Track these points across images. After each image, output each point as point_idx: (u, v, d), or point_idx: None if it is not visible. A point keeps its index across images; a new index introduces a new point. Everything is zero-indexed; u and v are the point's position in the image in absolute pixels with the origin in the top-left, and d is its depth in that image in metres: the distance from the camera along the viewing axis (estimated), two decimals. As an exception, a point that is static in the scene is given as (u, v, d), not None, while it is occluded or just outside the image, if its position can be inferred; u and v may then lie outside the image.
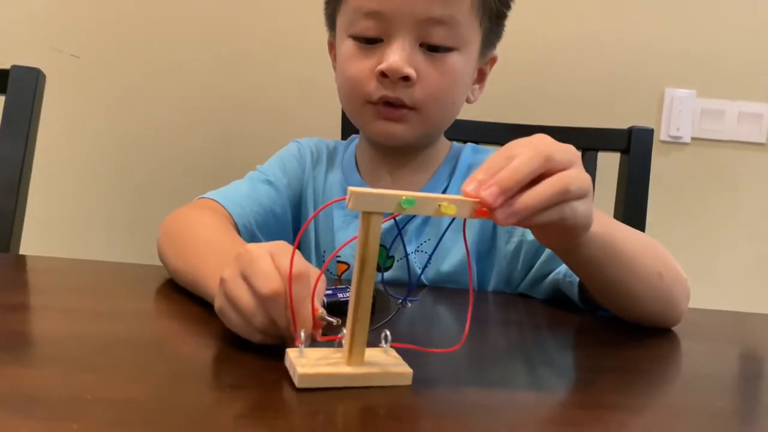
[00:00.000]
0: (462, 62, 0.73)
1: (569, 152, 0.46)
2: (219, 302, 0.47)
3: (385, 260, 0.79)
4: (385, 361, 0.44)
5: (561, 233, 0.49)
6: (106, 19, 1.53)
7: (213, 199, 0.74)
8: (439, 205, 0.41)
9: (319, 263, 0.81)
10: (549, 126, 1.08)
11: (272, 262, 0.45)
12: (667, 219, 1.55)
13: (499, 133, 1.08)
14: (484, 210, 0.42)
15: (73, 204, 1.56)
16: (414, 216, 0.78)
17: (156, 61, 1.54)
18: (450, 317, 0.67)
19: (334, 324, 0.44)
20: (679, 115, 1.62)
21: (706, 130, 1.64)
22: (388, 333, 0.44)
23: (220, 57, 1.55)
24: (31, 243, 1.00)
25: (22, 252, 0.93)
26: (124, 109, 1.55)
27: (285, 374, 0.42)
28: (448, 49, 0.72)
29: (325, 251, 0.81)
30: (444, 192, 0.80)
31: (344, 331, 0.43)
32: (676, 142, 1.63)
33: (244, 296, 0.44)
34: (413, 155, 0.80)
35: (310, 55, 1.51)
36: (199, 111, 1.56)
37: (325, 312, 0.44)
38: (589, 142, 1.07)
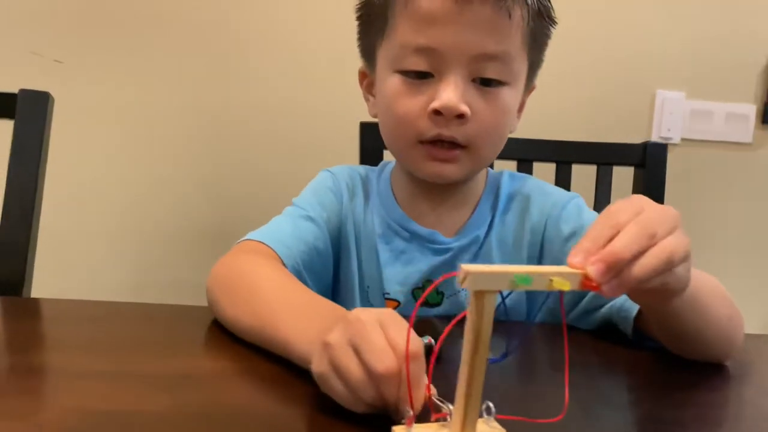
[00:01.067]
0: (512, 96, 0.73)
1: (671, 218, 0.47)
2: (322, 368, 0.45)
3: (434, 296, 0.78)
4: None
5: (660, 296, 0.50)
6: (89, 22, 1.47)
7: (259, 241, 0.72)
8: (551, 280, 0.40)
9: (364, 300, 0.80)
10: (565, 141, 1.09)
11: (384, 334, 0.43)
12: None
13: (511, 148, 1.08)
14: (591, 283, 0.42)
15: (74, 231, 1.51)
16: (462, 252, 0.78)
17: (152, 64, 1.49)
18: (527, 365, 0.66)
19: (447, 411, 0.43)
20: (670, 117, 1.65)
21: (695, 130, 1.67)
22: (491, 404, 0.44)
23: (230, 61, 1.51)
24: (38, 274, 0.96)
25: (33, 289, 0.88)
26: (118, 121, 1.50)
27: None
28: (500, 84, 0.71)
29: (368, 286, 0.80)
30: (490, 225, 0.80)
31: (450, 407, 0.42)
32: (667, 143, 1.66)
33: (354, 368, 0.43)
34: (456, 189, 0.79)
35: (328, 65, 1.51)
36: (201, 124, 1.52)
37: (437, 394, 0.44)
38: (605, 156, 1.08)
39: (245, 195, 1.53)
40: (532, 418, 0.44)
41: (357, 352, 0.43)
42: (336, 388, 0.44)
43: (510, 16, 0.68)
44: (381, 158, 1.02)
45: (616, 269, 0.42)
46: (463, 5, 0.66)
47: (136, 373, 0.54)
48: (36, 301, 0.73)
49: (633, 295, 0.53)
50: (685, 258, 0.47)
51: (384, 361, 0.42)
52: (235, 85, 1.51)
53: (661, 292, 0.48)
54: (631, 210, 0.45)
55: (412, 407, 0.42)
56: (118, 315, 0.73)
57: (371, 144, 1.03)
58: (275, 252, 0.71)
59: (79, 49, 1.47)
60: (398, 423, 0.43)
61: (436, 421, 0.43)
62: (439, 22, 0.67)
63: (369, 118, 1.06)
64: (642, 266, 0.43)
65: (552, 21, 0.75)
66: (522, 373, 0.63)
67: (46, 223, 0.92)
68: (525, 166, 1.07)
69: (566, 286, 0.41)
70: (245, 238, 0.74)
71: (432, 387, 0.43)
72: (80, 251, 1.51)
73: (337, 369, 0.44)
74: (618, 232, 0.43)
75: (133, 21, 1.48)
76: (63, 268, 1.46)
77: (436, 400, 0.43)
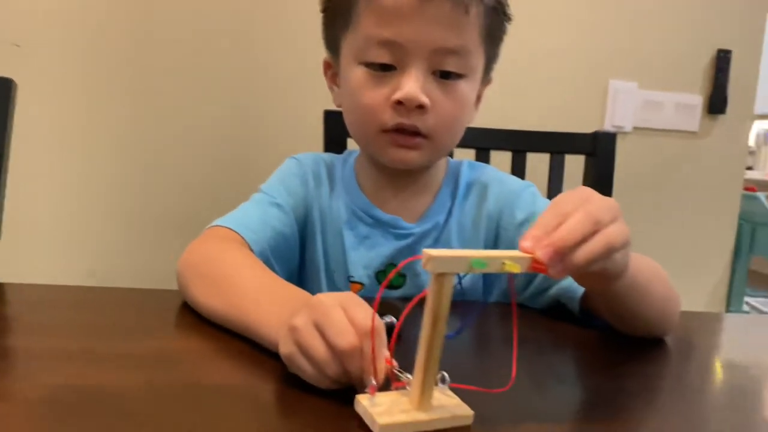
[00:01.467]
0: (470, 89, 0.76)
1: (612, 209, 0.50)
2: (288, 349, 0.49)
3: (397, 278, 0.82)
4: (447, 404, 0.47)
5: (601, 279, 0.54)
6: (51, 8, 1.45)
7: (227, 227, 0.74)
8: (504, 263, 0.45)
9: (329, 283, 0.83)
10: (520, 130, 1.14)
11: (345, 314, 0.47)
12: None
13: (468, 137, 1.11)
14: (540, 266, 0.46)
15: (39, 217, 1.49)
16: (423, 238, 0.82)
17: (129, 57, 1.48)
18: (482, 340, 0.70)
19: (406, 380, 0.47)
20: (622, 106, 1.72)
21: (646, 120, 1.75)
22: (446, 374, 0.48)
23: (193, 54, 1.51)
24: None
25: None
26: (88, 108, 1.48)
27: (359, 420, 0.45)
28: (458, 77, 0.74)
29: (334, 270, 0.83)
30: (449, 212, 0.84)
31: (409, 377, 0.46)
32: (619, 132, 1.73)
33: (318, 346, 0.46)
34: (417, 176, 0.83)
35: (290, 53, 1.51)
36: (170, 110, 1.52)
37: (397, 366, 0.47)
38: (557, 145, 1.12)
39: (212, 182, 1.54)
40: (483, 388, 0.48)
41: (321, 331, 0.47)
42: (303, 367, 0.48)
43: (467, 12, 0.71)
44: (345, 146, 1.05)
45: (562, 253, 0.46)
46: (424, 1, 0.69)
47: (109, 353, 0.56)
48: (1, 286, 0.74)
49: (577, 278, 0.57)
50: (624, 245, 0.51)
51: (346, 338, 0.45)
52: (201, 72, 1.51)
53: (602, 275, 0.53)
54: (578, 200, 0.50)
55: (375, 378, 0.45)
56: (88, 299, 0.74)
57: (335, 132, 1.05)
58: (243, 238, 0.73)
59: (38, 33, 1.45)
60: (362, 393, 0.46)
61: (396, 389, 0.47)
62: (402, 17, 0.70)
63: (333, 107, 1.09)
64: (585, 251, 0.48)
65: (507, 17, 0.78)
66: (477, 348, 0.67)
67: (10, 209, 0.92)
68: (483, 155, 1.11)
69: (517, 269, 0.45)
70: (213, 224, 0.76)
71: (393, 360, 0.47)
72: (45, 238, 1.50)
73: (302, 349, 0.47)
74: (565, 220, 0.48)
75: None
76: (27, 254, 1.45)
77: (396, 371, 0.47)
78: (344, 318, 0.46)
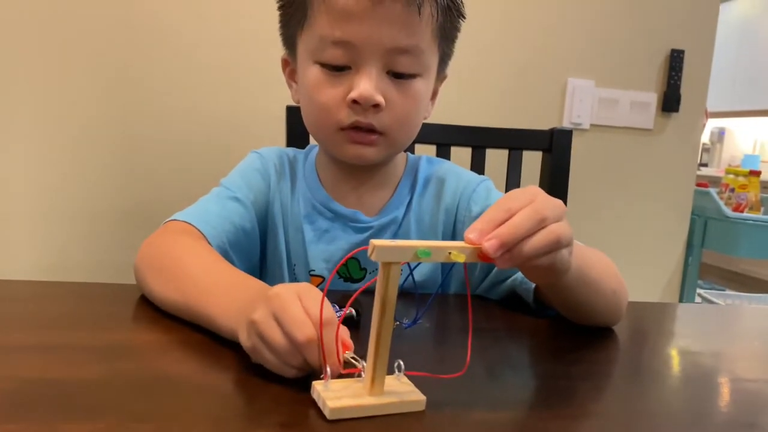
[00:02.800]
0: (424, 86, 0.78)
1: (558, 208, 0.52)
2: (252, 341, 0.50)
3: (357, 272, 0.83)
4: (400, 389, 0.49)
5: (548, 274, 0.56)
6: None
7: (184, 221, 0.74)
8: (450, 253, 0.46)
9: (291, 277, 0.84)
10: (479, 127, 1.16)
11: (302, 306, 0.48)
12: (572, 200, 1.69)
13: (430, 133, 1.13)
14: (486, 256, 0.48)
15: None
16: (382, 231, 0.83)
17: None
18: (440, 330, 0.72)
19: (361, 367, 0.48)
20: (580, 104, 1.76)
21: (602, 117, 1.79)
22: (401, 362, 0.49)
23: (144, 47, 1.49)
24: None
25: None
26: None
27: (312, 404, 0.47)
28: (412, 76, 0.75)
29: (295, 264, 0.84)
30: (408, 206, 0.86)
31: (363, 363, 0.48)
32: (577, 128, 1.77)
33: (279, 339, 0.48)
34: (375, 171, 0.84)
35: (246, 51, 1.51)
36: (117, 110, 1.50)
37: (350, 354, 0.49)
38: (515, 142, 1.15)
39: (175, 176, 1.53)
40: (437, 374, 0.50)
41: (279, 324, 0.48)
42: (266, 358, 0.49)
43: (420, 12, 0.72)
44: (307, 141, 1.05)
45: (508, 245, 0.48)
46: (377, 2, 0.70)
47: (69, 345, 0.56)
48: (-42, 282, 0.73)
49: (526, 273, 0.58)
50: (569, 243, 0.54)
51: (303, 330, 0.47)
52: (164, 66, 1.51)
53: (549, 269, 0.54)
54: (525, 198, 0.51)
55: (325, 365, 0.47)
56: (46, 294, 0.74)
57: (297, 127, 1.06)
58: (201, 232, 0.74)
59: (6, 30, 1.42)
60: (318, 380, 0.48)
61: (351, 376, 0.49)
62: (355, 18, 0.71)
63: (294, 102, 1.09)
64: (532, 244, 0.50)
65: (461, 15, 0.80)
66: (434, 337, 0.69)
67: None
68: (443, 150, 1.13)
69: (461, 258, 0.47)
70: (171, 218, 0.76)
71: (349, 346, 0.49)
72: (3, 233, 1.47)
73: (264, 342, 0.49)
74: (510, 216, 0.50)
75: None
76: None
77: (350, 358, 0.49)
78: (301, 310, 0.48)
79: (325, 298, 0.48)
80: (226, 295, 0.58)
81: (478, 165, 1.14)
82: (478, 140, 1.15)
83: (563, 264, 0.55)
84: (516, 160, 1.15)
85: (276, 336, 0.48)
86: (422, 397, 0.48)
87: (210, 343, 0.58)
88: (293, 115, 1.07)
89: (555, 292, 0.68)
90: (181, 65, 1.51)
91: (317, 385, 0.47)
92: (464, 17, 0.80)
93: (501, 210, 0.50)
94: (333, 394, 0.46)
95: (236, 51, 1.53)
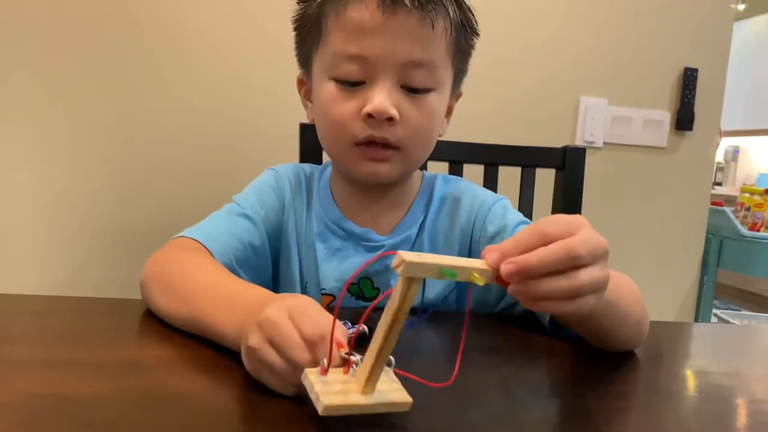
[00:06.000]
0: (438, 101, 0.78)
1: (599, 248, 0.47)
2: (253, 366, 0.50)
3: (370, 291, 0.83)
4: (389, 389, 0.48)
5: (563, 315, 0.53)
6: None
7: (191, 238, 0.74)
8: (470, 274, 0.46)
9: (303, 294, 0.83)
10: (492, 144, 1.16)
11: (295, 328, 0.48)
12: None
13: (442, 150, 1.13)
14: (504, 281, 0.47)
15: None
16: (396, 249, 0.82)
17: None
18: (443, 342, 0.72)
19: (355, 360, 0.48)
20: (593, 122, 1.76)
21: (615, 135, 1.79)
22: (392, 358, 0.48)
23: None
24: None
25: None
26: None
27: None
28: (426, 90, 0.76)
29: (307, 282, 0.84)
30: (422, 225, 0.85)
31: (357, 356, 0.48)
32: (590, 146, 1.76)
33: (278, 362, 0.48)
34: (389, 190, 0.84)
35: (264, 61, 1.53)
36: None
37: (343, 352, 0.49)
38: (527, 159, 1.15)
39: (179, 194, 1.54)
40: (425, 380, 0.49)
41: (276, 349, 0.48)
42: (268, 381, 0.50)
43: (433, 26, 0.73)
44: (320, 159, 1.06)
45: (524, 276, 0.44)
46: (390, 16, 0.71)
47: (76, 360, 0.57)
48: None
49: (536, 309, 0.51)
50: (600, 289, 0.48)
51: (299, 353, 0.47)
52: (177, 82, 1.52)
53: (565, 313, 0.51)
54: (565, 227, 0.46)
55: (329, 361, 0.47)
56: (53, 309, 0.74)
57: (311, 145, 1.06)
58: (207, 248, 0.74)
59: (16, 42, 1.45)
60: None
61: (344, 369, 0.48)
62: (368, 32, 0.72)
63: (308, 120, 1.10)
64: (549, 285, 0.45)
65: (475, 32, 0.80)
66: (437, 352, 0.69)
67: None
68: (456, 167, 1.13)
69: (480, 281, 0.46)
70: (179, 235, 0.76)
71: (343, 344, 0.49)
72: (12, 248, 1.48)
73: (266, 365, 0.49)
74: (543, 243, 0.45)
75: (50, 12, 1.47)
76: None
77: (346, 354, 0.49)
78: (295, 332, 0.48)
79: (317, 306, 0.48)
80: (230, 305, 0.58)
81: (490, 182, 1.13)
82: (491, 158, 1.15)
83: (581, 311, 0.48)
84: (529, 178, 1.15)
85: (275, 360, 0.48)
86: (408, 399, 0.48)
87: (218, 359, 0.58)
88: (307, 132, 1.07)
89: (577, 321, 0.66)
90: (195, 83, 1.53)
91: (310, 374, 0.47)
92: (478, 35, 0.80)
93: (535, 233, 0.46)
94: (326, 388, 0.46)
95: (251, 68, 1.54)
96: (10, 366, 0.54)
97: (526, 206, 1.13)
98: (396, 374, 0.50)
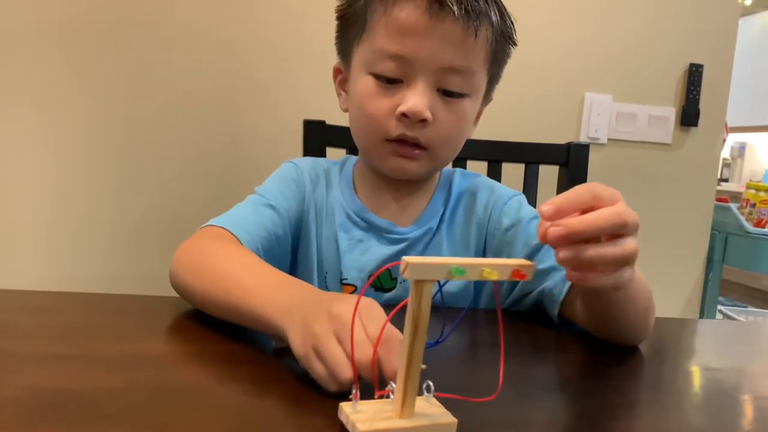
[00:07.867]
0: (471, 106, 0.79)
1: (636, 221, 0.49)
2: (307, 351, 0.49)
3: (389, 282, 0.83)
4: (431, 412, 0.47)
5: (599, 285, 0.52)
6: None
7: (220, 226, 0.74)
8: (482, 270, 0.45)
9: (321, 284, 0.84)
10: (496, 141, 1.16)
11: (363, 328, 0.48)
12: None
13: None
14: (521, 273, 0.46)
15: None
16: (416, 243, 0.84)
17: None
18: (470, 347, 0.71)
19: (390, 388, 0.46)
20: (597, 118, 1.75)
21: (620, 131, 1.78)
22: (431, 383, 0.48)
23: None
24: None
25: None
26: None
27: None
28: (461, 95, 0.77)
29: (327, 272, 0.84)
30: (441, 219, 0.86)
31: (392, 384, 0.46)
32: (594, 143, 1.76)
33: (338, 354, 0.47)
34: (412, 185, 0.85)
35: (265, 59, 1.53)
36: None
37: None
38: (531, 156, 1.15)
39: (185, 190, 1.54)
40: (469, 397, 0.49)
41: (341, 343, 0.48)
42: (316, 368, 0.49)
43: (477, 35, 0.74)
44: (324, 156, 1.06)
45: (573, 239, 0.45)
46: (437, 21, 0.72)
47: (83, 355, 0.56)
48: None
49: (575, 277, 0.52)
50: (633, 262, 0.51)
51: (364, 351, 0.46)
52: (181, 77, 1.52)
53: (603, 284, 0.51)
54: (611, 195, 0.48)
55: (356, 384, 0.46)
56: (58, 305, 0.74)
57: (314, 142, 1.06)
58: (236, 237, 0.73)
59: (24, 40, 1.45)
60: (346, 401, 0.47)
61: (380, 398, 0.47)
62: (414, 34, 0.73)
63: (312, 116, 1.10)
64: (598, 252, 0.47)
65: (513, 42, 0.82)
66: (463, 356, 0.68)
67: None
68: (460, 164, 1.13)
69: (495, 276, 0.45)
70: (207, 224, 0.76)
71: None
72: (22, 243, 1.49)
73: (321, 355, 0.48)
74: (594, 203, 0.47)
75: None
76: (3, 260, 1.44)
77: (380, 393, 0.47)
78: (362, 331, 0.48)
79: (383, 313, 0.49)
80: (275, 291, 0.58)
81: (494, 179, 1.13)
82: (495, 154, 1.15)
83: (620, 282, 0.51)
84: (533, 175, 1.15)
85: (336, 351, 0.47)
86: (453, 420, 0.46)
87: (223, 355, 0.58)
88: (311, 130, 1.08)
89: (591, 299, 0.66)
90: (199, 77, 1.53)
91: (345, 407, 0.46)
92: (516, 44, 0.82)
93: (589, 193, 0.47)
94: (362, 416, 0.45)
95: (255, 63, 1.54)
96: (14, 361, 0.54)
97: (530, 203, 1.12)
98: (437, 398, 0.48)
